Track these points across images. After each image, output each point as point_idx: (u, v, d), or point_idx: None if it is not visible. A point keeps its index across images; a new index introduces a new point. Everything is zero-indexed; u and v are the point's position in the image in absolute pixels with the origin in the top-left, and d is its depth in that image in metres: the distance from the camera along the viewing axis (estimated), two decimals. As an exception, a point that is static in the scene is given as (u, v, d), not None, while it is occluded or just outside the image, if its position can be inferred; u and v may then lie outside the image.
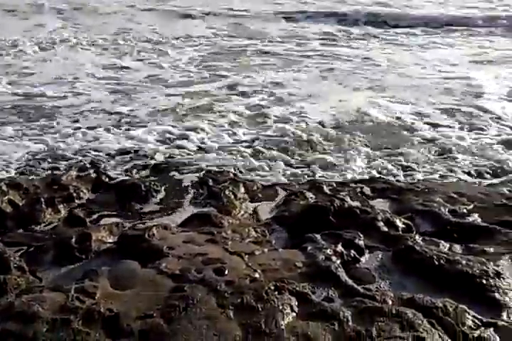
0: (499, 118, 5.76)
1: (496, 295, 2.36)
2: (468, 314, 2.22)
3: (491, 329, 2.16)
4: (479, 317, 2.22)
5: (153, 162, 4.59)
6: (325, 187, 3.80)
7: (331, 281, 2.46)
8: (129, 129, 5.41)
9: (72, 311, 2.19)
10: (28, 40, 9.59)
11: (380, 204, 3.52)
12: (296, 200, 3.56)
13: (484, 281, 2.42)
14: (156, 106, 6.18)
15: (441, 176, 4.31)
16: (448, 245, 2.84)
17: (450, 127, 5.52)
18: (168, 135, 5.25)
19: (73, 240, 2.86)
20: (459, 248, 2.82)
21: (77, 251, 2.80)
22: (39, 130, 5.38)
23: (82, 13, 12.67)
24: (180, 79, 7.42)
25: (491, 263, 2.56)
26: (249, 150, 4.85)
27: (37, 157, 4.69)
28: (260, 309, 2.21)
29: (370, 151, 4.82)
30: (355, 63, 8.26)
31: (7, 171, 4.35)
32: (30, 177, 4.11)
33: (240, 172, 4.36)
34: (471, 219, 3.24)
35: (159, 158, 4.70)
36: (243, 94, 6.67)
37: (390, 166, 4.49)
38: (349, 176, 4.27)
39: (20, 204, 3.44)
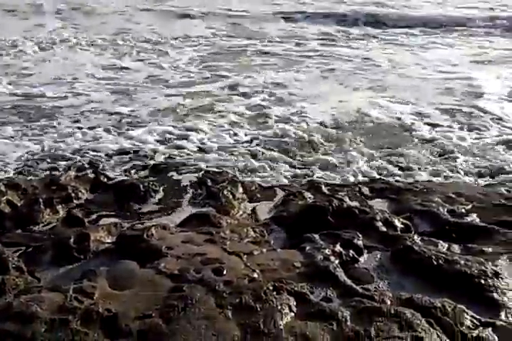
0: (499, 118, 5.76)
1: (495, 295, 2.36)
2: (467, 314, 2.23)
3: (490, 329, 2.16)
4: (478, 317, 2.22)
5: (152, 162, 4.59)
6: (323, 187, 3.80)
7: (329, 281, 2.46)
8: (129, 129, 5.41)
9: (70, 311, 2.19)
10: (28, 40, 9.59)
11: (379, 204, 3.52)
12: (294, 200, 3.57)
13: (483, 281, 2.42)
14: (156, 106, 6.18)
15: (440, 176, 4.31)
16: (446, 245, 2.84)
17: (450, 127, 5.52)
18: (168, 135, 5.25)
19: (71, 240, 2.86)
20: (457, 248, 2.82)
21: (76, 251, 2.81)
22: (38, 130, 5.38)
23: (80, 13, 12.68)
24: (181, 79, 7.42)
25: (490, 263, 2.57)
26: (249, 151, 4.84)
27: (36, 157, 4.68)
28: (259, 309, 2.21)
29: (370, 152, 4.82)
30: (355, 63, 8.26)
31: (5, 171, 4.35)
32: (29, 178, 4.12)
33: (241, 172, 4.35)
34: (469, 219, 3.24)
35: (159, 158, 4.70)
36: (244, 94, 6.67)
37: (390, 166, 4.49)
38: (349, 177, 4.27)
39: (19, 204, 3.44)
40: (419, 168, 4.47)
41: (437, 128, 5.47)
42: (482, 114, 5.88)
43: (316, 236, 2.87)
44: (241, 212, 3.52)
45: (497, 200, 3.50)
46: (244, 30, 11.00)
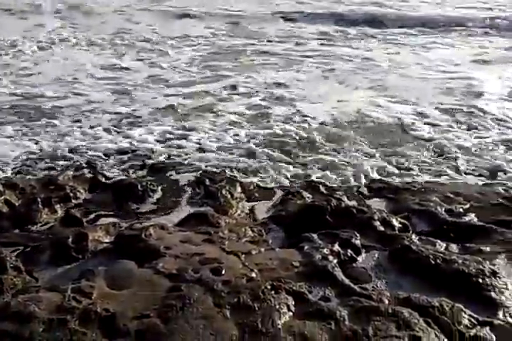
0: (499, 118, 5.75)
1: (492, 294, 2.37)
2: (465, 313, 2.23)
3: (487, 328, 2.17)
4: (475, 316, 2.23)
5: (151, 162, 4.58)
6: (321, 186, 3.80)
7: (327, 281, 2.46)
8: (128, 129, 5.40)
9: (68, 311, 2.20)
10: (27, 40, 9.60)
11: (377, 204, 3.53)
12: (293, 200, 3.57)
13: (480, 280, 2.43)
14: (156, 106, 6.18)
15: (439, 176, 4.31)
16: (444, 244, 2.84)
17: (450, 127, 5.52)
18: (167, 135, 5.24)
19: (70, 240, 2.86)
20: (455, 247, 2.82)
21: (74, 251, 2.81)
22: (38, 130, 5.37)
23: (79, 13, 12.69)
24: (180, 79, 7.42)
25: (487, 262, 2.57)
26: (249, 151, 4.83)
27: (34, 157, 4.68)
28: (257, 308, 2.22)
29: (370, 151, 4.82)
30: (355, 63, 8.26)
31: (3, 171, 4.34)
32: (27, 177, 4.11)
33: (240, 173, 4.34)
34: (467, 218, 3.25)
35: (158, 158, 4.69)
36: (244, 94, 6.67)
37: (390, 166, 4.49)
38: (349, 177, 4.26)
39: (17, 204, 3.44)
40: (419, 168, 4.47)
41: (437, 128, 5.47)
42: (482, 114, 5.88)
43: (315, 235, 2.87)
44: (239, 212, 3.53)
45: (495, 200, 3.51)
46: (244, 30, 11.01)
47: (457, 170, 4.43)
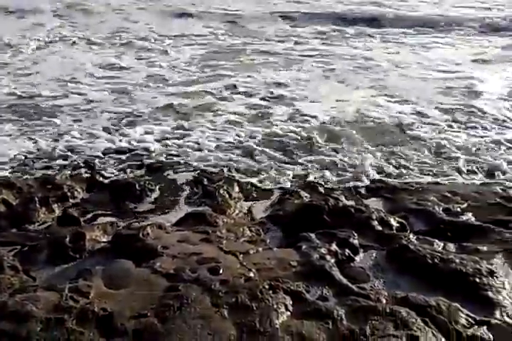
0: (499, 118, 5.76)
1: (489, 293, 2.37)
2: (462, 312, 2.24)
3: (484, 327, 2.17)
4: (472, 315, 2.23)
5: (149, 161, 4.58)
6: (319, 186, 3.80)
7: (325, 280, 2.47)
8: (127, 129, 5.40)
9: (66, 310, 2.20)
10: (27, 39, 9.58)
11: (375, 204, 3.53)
12: (290, 199, 3.57)
13: (477, 280, 2.43)
14: (155, 105, 6.17)
15: (438, 176, 4.31)
16: (442, 244, 2.85)
17: (450, 127, 5.52)
18: (166, 135, 5.23)
19: (67, 239, 2.86)
20: (452, 247, 2.83)
21: (71, 250, 2.81)
22: (36, 129, 5.37)
23: (78, 12, 12.68)
24: (180, 78, 7.41)
25: (485, 261, 2.58)
26: (249, 151, 4.83)
27: (32, 156, 4.67)
28: (255, 308, 2.22)
29: (370, 151, 4.82)
30: (355, 63, 8.25)
31: (1, 170, 4.33)
32: (25, 177, 4.11)
33: (239, 172, 4.33)
34: (464, 217, 3.25)
35: (156, 157, 4.69)
36: (244, 93, 6.66)
37: (389, 166, 4.49)
38: (349, 177, 4.26)
39: (14, 203, 3.44)
40: (418, 168, 4.46)
41: (437, 128, 5.47)
42: (482, 114, 5.88)
43: (312, 235, 2.87)
44: (237, 211, 3.53)
45: (492, 199, 3.51)
46: (242, 29, 11.00)
47: (456, 169, 4.43)
